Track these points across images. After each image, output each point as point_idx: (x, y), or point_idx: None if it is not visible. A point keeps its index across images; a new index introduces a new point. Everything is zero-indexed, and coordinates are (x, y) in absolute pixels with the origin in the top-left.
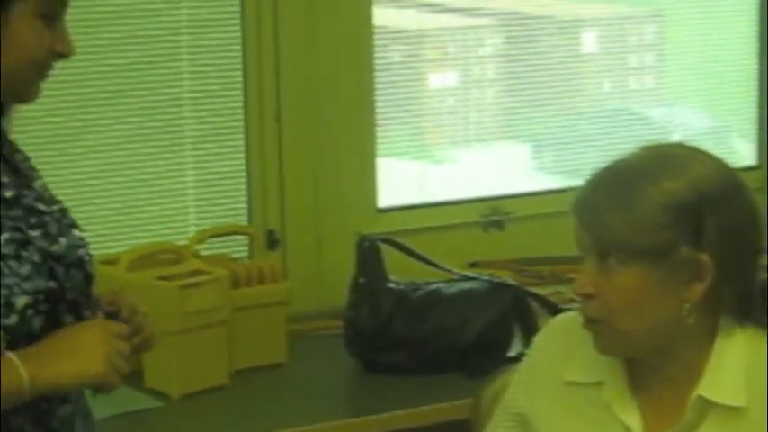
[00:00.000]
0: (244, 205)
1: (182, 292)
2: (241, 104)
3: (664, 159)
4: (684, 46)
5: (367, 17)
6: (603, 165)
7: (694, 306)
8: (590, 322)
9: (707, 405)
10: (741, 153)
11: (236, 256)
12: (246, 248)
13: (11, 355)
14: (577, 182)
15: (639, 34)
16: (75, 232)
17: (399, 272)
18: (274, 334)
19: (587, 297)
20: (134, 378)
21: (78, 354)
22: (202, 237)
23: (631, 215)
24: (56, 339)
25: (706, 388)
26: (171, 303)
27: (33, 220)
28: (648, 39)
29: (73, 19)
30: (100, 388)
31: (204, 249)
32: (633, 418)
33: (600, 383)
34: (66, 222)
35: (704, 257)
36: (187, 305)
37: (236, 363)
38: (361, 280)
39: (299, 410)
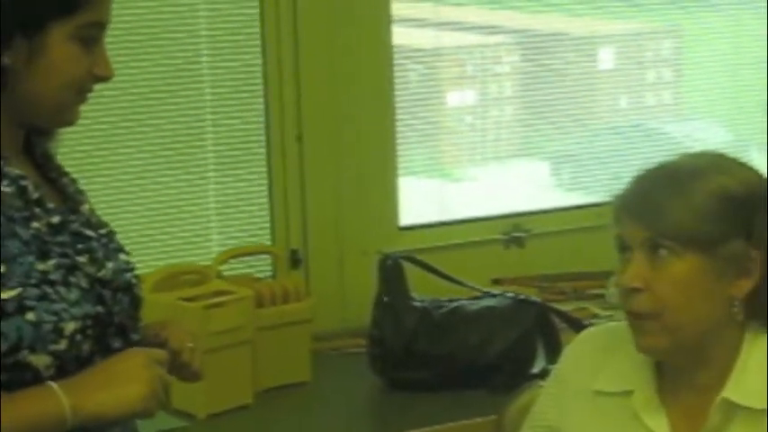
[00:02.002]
0: (266, 225)
1: (205, 313)
2: (263, 126)
3: (711, 161)
4: (701, 61)
5: (386, 36)
6: (648, 168)
7: (740, 305)
8: (636, 318)
9: (732, 408)
10: (758, 167)
11: (260, 275)
12: (270, 268)
13: (53, 385)
14: (596, 198)
15: (656, 50)
16: (122, 256)
17: (422, 290)
18: (298, 352)
19: (636, 291)
20: None
21: (120, 380)
22: (226, 257)
23: (687, 202)
24: (97, 369)
25: (732, 391)
26: (195, 324)
27: (80, 246)
28: (665, 54)
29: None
30: (140, 414)
31: (227, 269)
32: (661, 426)
33: (629, 392)
34: (112, 247)
35: (754, 253)
36: (211, 325)
37: (261, 382)
38: (385, 298)
39: (324, 429)
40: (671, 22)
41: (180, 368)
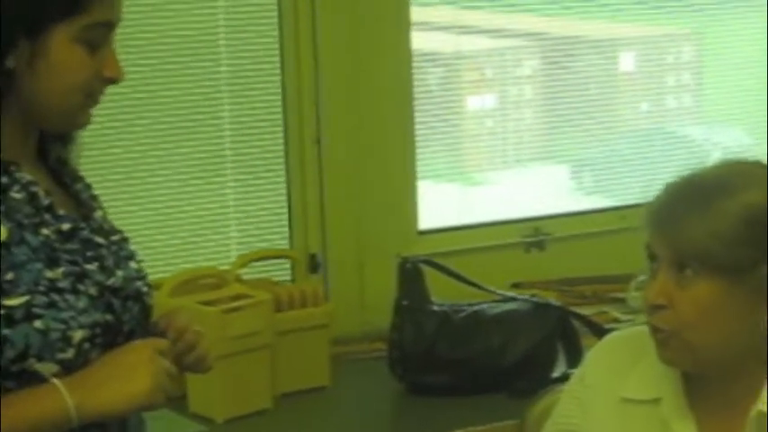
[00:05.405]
0: (285, 229)
1: (224, 317)
2: (281, 129)
3: (740, 173)
4: (721, 65)
5: (405, 41)
6: (679, 177)
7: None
8: (658, 332)
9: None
10: None
11: (279, 279)
12: (288, 272)
13: (56, 382)
14: (616, 202)
15: (676, 53)
16: (133, 264)
17: (441, 293)
18: (317, 357)
19: (659, 308)
20: (178, 403)
21: (123, 375)
22: (244, 261)
23: (713, 227)
24: (100, 364)
25: (766, 403)
26: (214, 328)
27: (90, 254)
28: (685, 58)
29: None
30: (146, 408)
31: (246, 273)
32: None
33: (657, 400)
34: (123, 254)
35: None
36: (230, 329)
37: (280, 386)
38: (404, 302)
39: None
40: (691, 26)
41: (185, 353)
